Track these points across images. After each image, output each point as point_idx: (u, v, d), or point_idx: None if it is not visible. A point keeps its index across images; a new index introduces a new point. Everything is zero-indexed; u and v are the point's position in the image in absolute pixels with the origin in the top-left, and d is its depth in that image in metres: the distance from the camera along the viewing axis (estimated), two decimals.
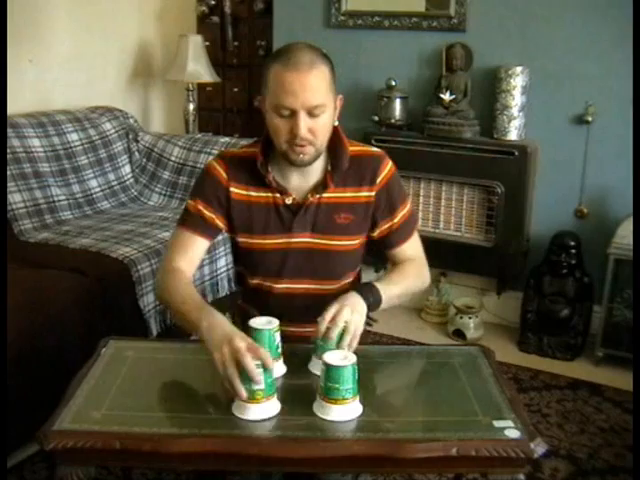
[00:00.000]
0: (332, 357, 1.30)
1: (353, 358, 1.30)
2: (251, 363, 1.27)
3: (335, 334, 1.39)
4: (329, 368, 1.28)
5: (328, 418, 1.28)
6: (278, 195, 1.59)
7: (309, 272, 1.63)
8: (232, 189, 1.60)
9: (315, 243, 1.61)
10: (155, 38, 3.91)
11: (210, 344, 1.34)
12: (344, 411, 1.29)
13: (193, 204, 1.62)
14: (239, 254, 1.71)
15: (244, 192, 1.61)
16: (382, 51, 3.26)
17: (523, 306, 2.98)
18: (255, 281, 1.67)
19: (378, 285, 1.54)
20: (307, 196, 1.59)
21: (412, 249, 1.70)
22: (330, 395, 1.28)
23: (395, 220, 1.65)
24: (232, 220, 1.62)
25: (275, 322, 1.43)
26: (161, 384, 1.46)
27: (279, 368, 1.44)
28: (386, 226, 1.65)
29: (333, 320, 1.40)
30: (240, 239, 1.64)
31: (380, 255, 1.74)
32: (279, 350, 1.44)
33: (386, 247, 1.69)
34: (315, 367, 1.45)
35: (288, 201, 1.59)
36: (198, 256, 1.64)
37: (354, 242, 1.64)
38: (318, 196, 1.59)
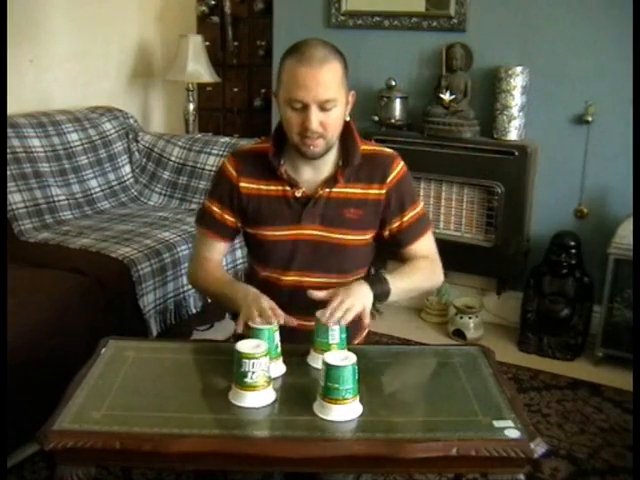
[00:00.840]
0: (332, 357, 1.30)
1: (353, 358, 1.30)
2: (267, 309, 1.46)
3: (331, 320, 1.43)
4: (329, 368, 1.28)
5: (328, 418, 1.28)
6: (289, 188, 1.63)
7: (317, 265, 1.65)
8: (242, 184, 1.65)
9: (323, 236, 1.63)
10: (155, 38, 3.91)
11: (243, 305, 1.50)
12: (344, 411, 1.29)
13: (209, 204, 1.70)
14: (251, 246, 1.75)
15: (254, 186, 1.65)
16: (382, 51, 3.26)
17: (523, 306, 2.98)
18: (265, 273, 1.70)
19: (388, 277, 1.56)
20: (317, 189, 1.62)
21: (424, 248, 1.70)
22: (330, 395, 1.28)
23: (404, 219, 1.67)
24: (244, 213, 1.67)
25: (274, 322, 1.43)
26: (161, 384, 1.46)
27: (279, 367, 1.45)
28: (395, 225, 1.67)
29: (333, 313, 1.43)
30: (251, 231, 1.69)
31: (390, 254, 1.75)
32: (278, 350, 1.45)
33: (397, 246, 1.71)
34: (313, 360, 1.46)
35: (298, 194, 1.62)
36: (221, 254, 1.77)
37: (362, 237, 1.66)
38: (328, 190, 1.62)
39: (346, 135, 1.63)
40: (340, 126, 1.58)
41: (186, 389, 1.44)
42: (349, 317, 1.44)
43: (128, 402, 1.36)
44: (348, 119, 1.62)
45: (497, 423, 1.29)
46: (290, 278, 1.66)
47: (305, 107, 1.50)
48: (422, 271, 1.67)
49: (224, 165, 1.70)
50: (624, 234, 2.68)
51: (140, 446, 1.23)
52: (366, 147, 1.67)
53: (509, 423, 1.28)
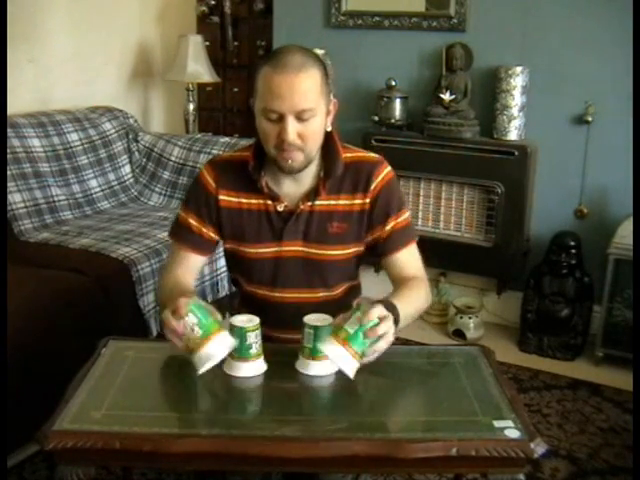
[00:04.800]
0: (312, 320, 1.40)
1: (329, 317, 1.40)
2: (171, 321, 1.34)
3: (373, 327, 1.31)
4: (317, 329, 1.38)
5: (312, 373, 1.41)
6: (270, 202, 1.56)
7: (303, 281, 1.59)
8: (221, 197, 1.58)
9: (307, 252, 1.57)
10: (155, 38, 3.91)
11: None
12: (326, 365, 1.40)
13: (184, 216, 1.61)
14: (231, 261, 1.68)
15: (234, 199, 1.58)
16: (382, 51, 3.26)
17: (523, 306, 2.98)
18: (250, 289, 1.64)
19: (397, 304, 1.41)
20: (299, 203, 1.55)
21: (409, 262, 1.60)
22: (318, 354, 1.39)
23: (386, 228, 1.57)
24: (222, 228, 1.60)
25: (255, 320, 1.41)
26: (161, 384, 1.46)
27: (258, 366, 1.43)
28: (377, 234, 1.58)
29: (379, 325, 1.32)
30: (231, 246, 1.62)
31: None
32: (251, 351, 1.41)
33: (377, 255, 1.62)
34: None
35: (280, 208, 1.55)
36: (195, 269, 1.65)
37: (347, 252, 1.59)
38: (310, 204, 1.55)
39: (328, 146, 1.53)
40: (320, 138, 1.48)
41: (186, 389, 1.44)
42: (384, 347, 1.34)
43: (128, 402, 1.36)
44: (330, 129, 1.52)
45: (497, 423, 1.28)
46: (276, 294, 1.60)
47: (281, 117, 1.41)
48: (421, 294, 1.55)
49: (201, 175, 1.59)
50: (624, 234, 2.68)
51: (140, 446, 1.23)
52: (349, 154, 1.57)
53: (509, 423, 1.28)
